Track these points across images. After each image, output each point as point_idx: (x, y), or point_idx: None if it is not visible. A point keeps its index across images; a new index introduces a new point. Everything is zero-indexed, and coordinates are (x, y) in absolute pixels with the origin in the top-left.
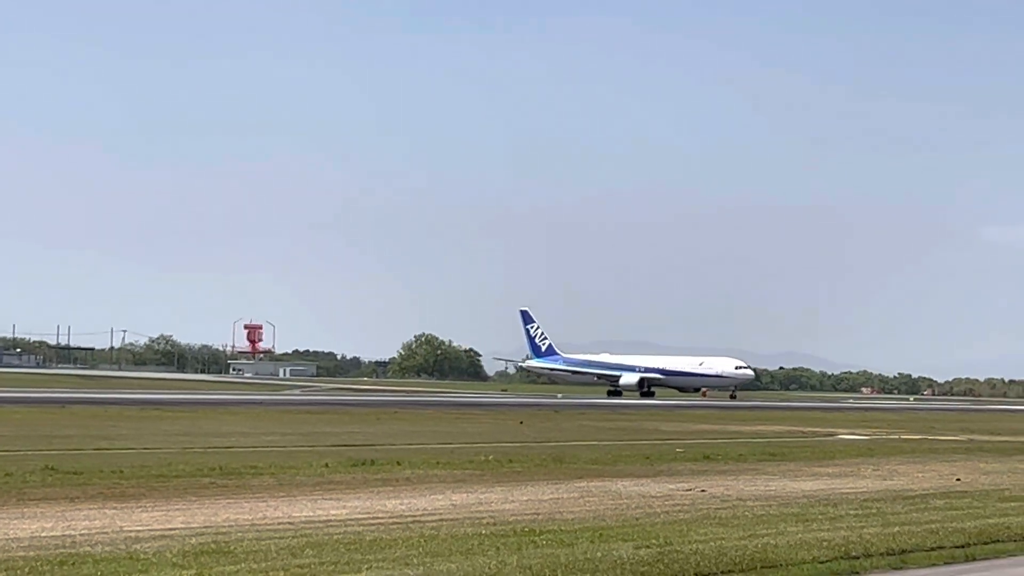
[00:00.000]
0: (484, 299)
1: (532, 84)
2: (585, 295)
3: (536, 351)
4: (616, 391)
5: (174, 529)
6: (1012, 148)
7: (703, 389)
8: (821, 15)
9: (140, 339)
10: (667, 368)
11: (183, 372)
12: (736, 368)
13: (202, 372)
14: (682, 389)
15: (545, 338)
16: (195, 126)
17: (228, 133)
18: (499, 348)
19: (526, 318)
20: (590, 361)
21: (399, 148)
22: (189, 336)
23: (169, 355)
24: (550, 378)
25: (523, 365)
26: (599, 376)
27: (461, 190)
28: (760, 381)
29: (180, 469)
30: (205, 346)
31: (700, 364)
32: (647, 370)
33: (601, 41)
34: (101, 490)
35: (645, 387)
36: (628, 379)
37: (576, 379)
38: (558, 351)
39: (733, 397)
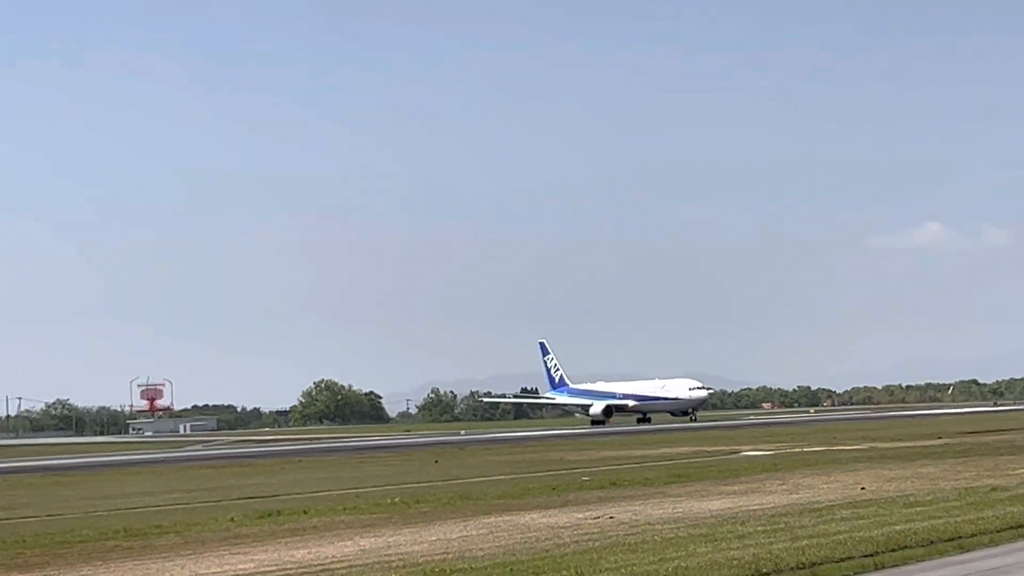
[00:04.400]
0: (381, 341)
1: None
2: (502, 328)
3: (552, 383)
4: (598, 420)
5: None
6: (894, 158)
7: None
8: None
9: (36, 404)
10: (638, 394)
11: (82, 435)
12: (690, 389)
13: (101, 434)
14: (673, 413)
15: (558, 369)
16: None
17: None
18: (402, 389)
19: (544, 350)
20: (585, 391)
21: (267, 197)
22: (86, 399)
23: (67, 419)
24: (563, 410)
25: (543, 399)
26: (580, 407)
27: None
28: None
29: (84, 534)
30: (103, 408)
31: (663, 387)
32: (624, 396)
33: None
34: (3, 560)
35: (612, 414)
36: (595, 408)
37: (577, 411)
38: (568, 381)
39: (693, 420)
